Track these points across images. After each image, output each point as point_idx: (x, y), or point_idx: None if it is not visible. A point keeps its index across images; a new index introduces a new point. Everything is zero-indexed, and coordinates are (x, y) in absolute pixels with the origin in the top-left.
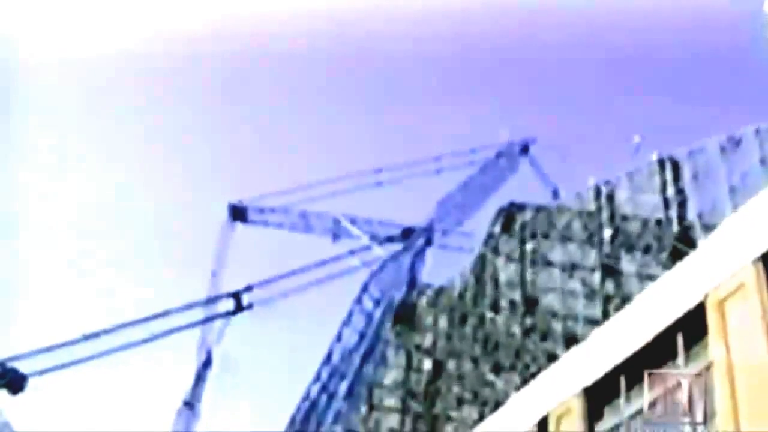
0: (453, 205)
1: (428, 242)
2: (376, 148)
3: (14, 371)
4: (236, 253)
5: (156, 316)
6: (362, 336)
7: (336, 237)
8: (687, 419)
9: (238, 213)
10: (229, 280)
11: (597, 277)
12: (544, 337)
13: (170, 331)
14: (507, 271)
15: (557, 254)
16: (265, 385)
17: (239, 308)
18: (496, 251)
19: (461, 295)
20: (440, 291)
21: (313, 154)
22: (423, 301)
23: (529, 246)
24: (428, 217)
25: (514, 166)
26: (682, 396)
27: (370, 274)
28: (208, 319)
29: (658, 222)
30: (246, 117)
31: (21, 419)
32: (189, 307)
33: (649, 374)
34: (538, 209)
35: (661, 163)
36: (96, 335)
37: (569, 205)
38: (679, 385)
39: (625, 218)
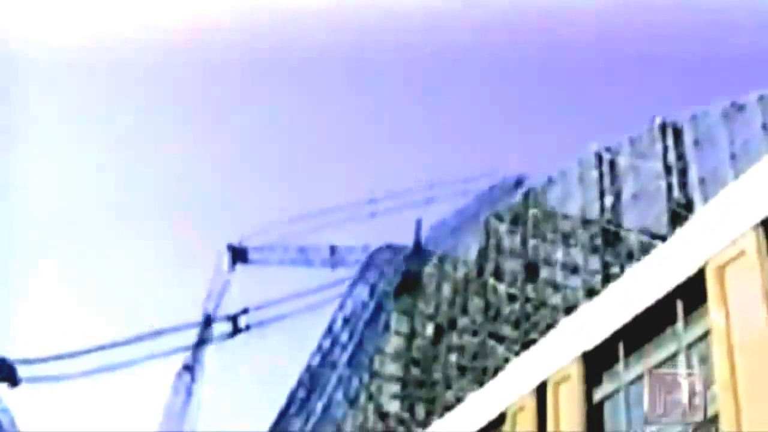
0: (447, 229)
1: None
2: (368, 177)
3: (11, 366)
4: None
5: (145, 337)
6: (364, 305)
7: (335, 266)
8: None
9: (238, 254)
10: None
11: (598, 242)
12: (545, 305)
13: (159, 354)
14: (510, 238)
15: (558, 221)
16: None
17: (236, 330)
18: (500, 218)
19: (465, 262)
20: (444, 258)
21: (305, 184)
22: (427, 269)
23: (531, 212)
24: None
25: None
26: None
27: (369, 253)
28: (201, 342)
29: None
30: (236, 141)
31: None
32: (181, 328)
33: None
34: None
35: (663, 128)
36: (78, 354)
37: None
38: (677, 353)
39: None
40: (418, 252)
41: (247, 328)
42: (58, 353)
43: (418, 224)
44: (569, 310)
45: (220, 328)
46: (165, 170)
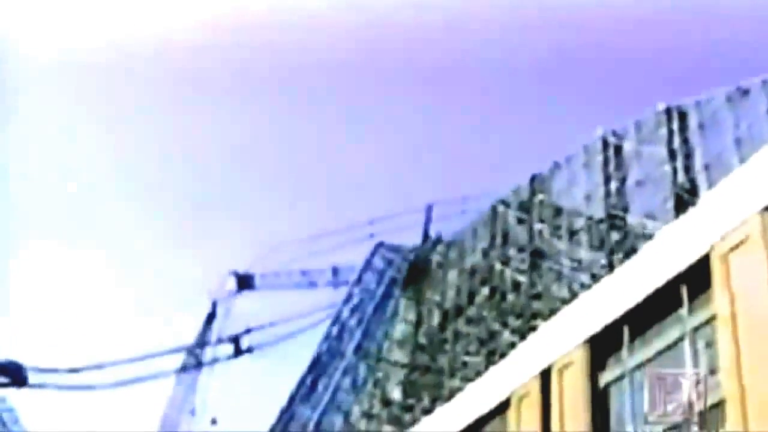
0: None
1: None
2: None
3: (18, 367)
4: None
5: (143, 357)
6: (372, 294)
7: (337, 286)
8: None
9: (243, 281)
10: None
11: (603, 228)
12: (550, 290)
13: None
14: (516, 224)
15: (564, 206)
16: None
17: (238, 352)
18: (506, 204)
19: (472, 249)
20: (452, 244)
21: (306, 206)
22: (435, 256)
23: (538, 197)
24: None
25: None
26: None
27: (376, 243)
28: (200, 364)
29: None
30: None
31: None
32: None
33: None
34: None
35: (668, 113)
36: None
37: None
38: (682, 339)
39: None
40: (427, 239)
41: (249, 350)
42: (69, 366)
43: (428, 211)
44: (574, 295)
45: (224, 349)
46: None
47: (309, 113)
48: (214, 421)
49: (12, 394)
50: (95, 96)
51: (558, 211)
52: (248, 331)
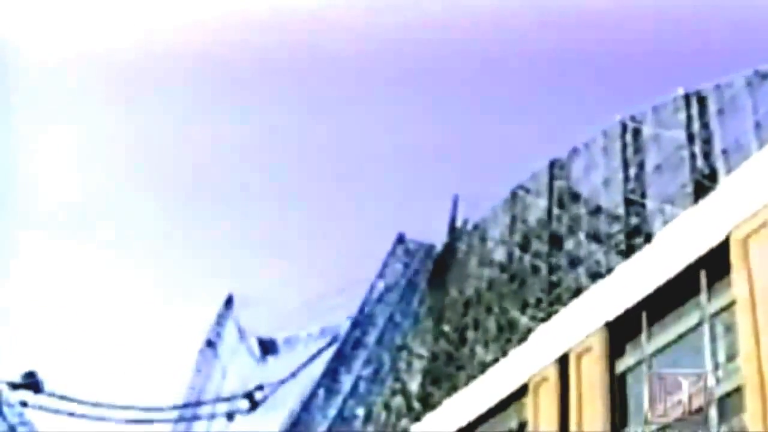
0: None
1: None
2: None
3: (35, 378)
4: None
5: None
6: (395, 285)
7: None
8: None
9: (267, 346)
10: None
11: (621, 213)
12: (568, 276)
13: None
14: (536, 209)
15: (583, 191)
16: None
17: (254, 405)
18: (526, 189)
19: (493, 235)
20: (475, 230)
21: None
22: (461, 245)
23: (557, 183)
24: None
25: None
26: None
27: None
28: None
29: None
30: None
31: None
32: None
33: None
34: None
35: (687, 98)
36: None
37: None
38: (700, 324)
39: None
40: (454, 230)
41: (264, 399)
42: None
43: (455, 202)
44: (593, 280)
45: (240, 404)
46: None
47: (326, 112)
48: None
49: (29, 411)
50: (114, 93)
51: (576, 197)
52: (260, 387)
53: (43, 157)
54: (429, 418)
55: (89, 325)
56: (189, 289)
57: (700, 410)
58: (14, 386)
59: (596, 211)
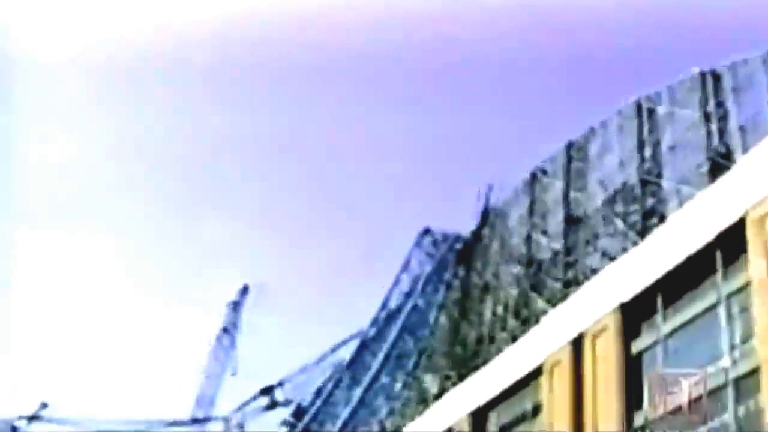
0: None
1: None
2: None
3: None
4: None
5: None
6: (417, 279)
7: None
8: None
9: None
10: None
11: (637, 193)
12: (585, 257)
13: None
14: (553, 190)
15: (598, 172)
16: None
17: (274, 404)
18: (543, 171)
19: (511, 218)
20: (497, 214)
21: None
22: (485, 231)
23: (574, 165)
24: None
25: None
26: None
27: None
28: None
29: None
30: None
31: None
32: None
33: None
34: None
35: (703, 76)
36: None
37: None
38: (716, 305)
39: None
40: (486, 217)
41: (288, 402)
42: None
43: (489, 189)
44: (609, 261)
45: (258, 402)
46: None
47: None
48: None
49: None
50: (110, 92)
51: (593, 178)
52: (281, 383)
53: (42, 157)
54: (444, 399)
55: (89, 329)
56: (201, 285)
57: (715, 391)
58: (29, 419)
59: (612, 192)
